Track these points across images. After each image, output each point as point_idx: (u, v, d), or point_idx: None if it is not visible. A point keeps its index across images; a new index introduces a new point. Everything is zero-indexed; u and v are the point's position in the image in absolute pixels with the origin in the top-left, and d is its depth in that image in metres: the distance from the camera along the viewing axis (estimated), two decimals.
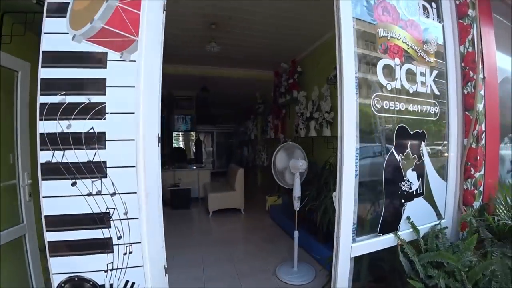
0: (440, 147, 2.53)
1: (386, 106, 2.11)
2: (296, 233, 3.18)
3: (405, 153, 2.21)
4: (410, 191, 2.26)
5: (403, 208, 2.23)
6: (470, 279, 1.88)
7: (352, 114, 1.91)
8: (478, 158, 2.48)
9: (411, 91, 2.24)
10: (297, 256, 3.23)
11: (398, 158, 2.20)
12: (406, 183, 2.24)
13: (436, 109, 2.42)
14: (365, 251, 2.09)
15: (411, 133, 2.26)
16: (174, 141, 10.10)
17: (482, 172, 2.51)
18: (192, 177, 7.00)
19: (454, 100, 2.50)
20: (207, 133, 12.31)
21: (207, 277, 3.20)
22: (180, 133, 9.62)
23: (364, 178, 2.12)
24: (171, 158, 7.61)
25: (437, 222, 2.35)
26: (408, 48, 2.22)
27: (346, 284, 2.00)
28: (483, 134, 2.51)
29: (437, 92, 2.42)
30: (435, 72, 2.40)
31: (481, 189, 2.52)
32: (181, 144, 10.31)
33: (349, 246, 1.95)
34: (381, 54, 2.09)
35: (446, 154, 2.53)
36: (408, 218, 2.22)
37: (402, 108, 2.19)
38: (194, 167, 7.50)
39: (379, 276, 2.55)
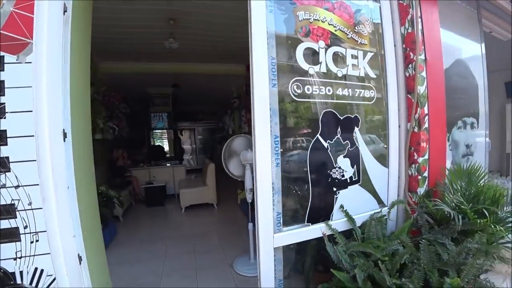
0: (380, 132, 2.39)
1: (308, 91, 1.94)
2: (250, 225, 3.07)
3: (334, 139, 2.05)
4: (343, 178, 2.11)
5: (335, 196, 2.08)
6: (393, 268, 1.77)
7: (265, 99, 1.75)
8: (421, 142, 2.34)
9: (339, 75, 2.07)
10: (252, 248, 3.12)
11: (325, 144, 2.03)
12: (337, 171, 2.09)
13: (372, 92, 2.24)
14: (291, 241, 1.96)
15: (341, 118, 2.09)
16: (155, 139, 9.88)
17: (426, 157, 2.35)
18: (168, 174, 6.82)
19: (393, 83, 2.32)
20: (188, 130, 11.92)
21: (165, 270, 3.12)
22: (161, 131, 9.43)
23: (290, 166, 2.01)
24: (149, 156, 7.49)
25: (378, 210, 2.21)
26: (335, 31, 2.05)
27: (272, 274, 1.87)
28: (426, 117, 2.34)
29: (372, 75, 2.23)
30: (370, 55, 2.21)
31: (425, 174, 2.36)
32: (164, 142, 9.99)
33: (271, 236, 1.82)
34: (302, 37, 1.93)
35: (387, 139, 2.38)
36: (341, 206, 2.08)
37: (329, 92, 2.03)
38: (169, 164, 7.23)
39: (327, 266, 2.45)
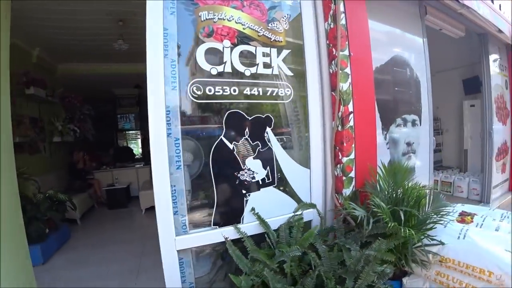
0: (301, 132, 2.24)
1: (210, 92, 1.80)
2: None
3: (241, 141, 1.91)
4: (253, 180, 1.95)
5: (245, 199, 1.94)
6: (294, 274, 1.65)
7: (160, 102, 1.63)
8: (344, 142, 2.20)
9: (247, 74, 1.91)
10: None
11: (230, 146, 1.88)
12: (246, 173, 1.93)
13: (288, 91, 2.07)
14: (198, 244, 1.83)
15: (249, 118, 1.94)
16: (128, 141, 9.32)
17: (351, 156, 2.19)
18: (132, 176, 6.53)
19: (314, 81, 2.15)
20: None
21: (111, 272, 3.00)
22: (134, 132, 9.00)
23: (194, 169, 1.88)
24: (115, 158, 7.02)
25: (299, 213, 2.10)
26: (244, 29, 1.89)
27: (177, 277, 1.76)
28: (350, 115, 2.21)
29: (288, 73, 2.07)
30: (286, 52, 2.06)
31: (351, 175, 2.21)
32: (136, 143, 9.43)
33: (172, 239, 1.70)
34: (204, 38, 1.78)
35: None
36: (253, 209, 1.93)
37: (234, 92, 1.87)
38: (133, 165, 6.86)
39: None
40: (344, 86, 2.15)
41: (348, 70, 2.17)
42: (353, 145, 2.20)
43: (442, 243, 1.85)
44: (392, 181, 2.10)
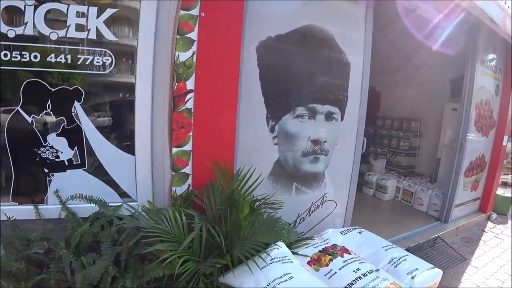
0: (120, 110, 1.58)
1: (6, 57, 1.30)
2: None
3: (41, 114, 1.41)
4: (57, 160, 1.44)
5: (49, 179, 1.45)
6: None
7: None
8: (175, 127, 1.54)
9: (53, 38, 1.33)
10: None
11: (29, 119, 1.39)
12: (48, 150, 1.42)
13: (107, 60, 1.44)
14: None
15: (52, 90, 1.38)
16: None
17: (186, 148, 1.52)
18: None
19: (147, 48, 1.46)
20: None
21: None
22: None
23: None
24: None
25: (119, 205, 1.50)
26: None
27: None
28: (189, 95, 1.52)
29: (111, 38, 1.42)
30: (110, 11, 1.39)
31: (186, 170, 1.57)
32: None
33: None
34: None
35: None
36: (57, 191, 1.44)
37: (35, 59, 1.33)
38: None
39: None
40: (183, 56, 1.47)
41: (193, 35, 1.48)
42: (190, 134, 1.55)
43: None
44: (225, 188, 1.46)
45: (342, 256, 1.34)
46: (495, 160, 3.66)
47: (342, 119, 2.07)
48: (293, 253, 1.34)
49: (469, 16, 2.60)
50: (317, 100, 1.94)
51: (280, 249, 1.26)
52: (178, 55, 1.43)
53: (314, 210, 2.10)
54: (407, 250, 2.70)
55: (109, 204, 1.48)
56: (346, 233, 1.65)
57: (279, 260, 1.18)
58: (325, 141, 2.02)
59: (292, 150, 1.92)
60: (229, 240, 1.25)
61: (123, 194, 1.61)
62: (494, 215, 3.76)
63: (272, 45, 1.76)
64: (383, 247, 1.49)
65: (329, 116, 2.00)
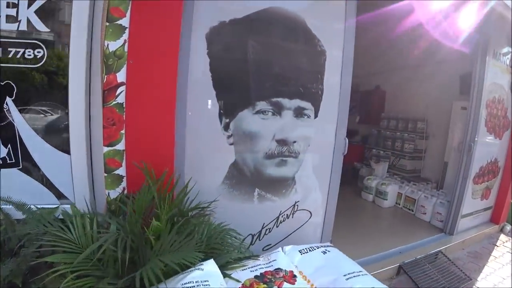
0: (56, 106, 1.39)
1: None
2: None
3: None
4: None
5: None
6: None
7: None
8: (105, 124, 1.34)
9: None
10: None
11: None
12: None
13: (39, 52, 1.27)
14: None
15: None
16: None
17: (118, 147, 1.31)
18: None
19: (80, 37, 1.26)
20: None
21: None
22: None
23: None
24: None
25: (55, 206, 1.33)
26: None
27: None
28: (120, 88, 1.30)
29: (43, 28, 1.26)
30: (41, 1, 1.24)
31: (119, 172, 1.35)
32: None
33: None
34: None
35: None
36: None
37: None
38: None
39: None
40: (113, 45, 1.27)
41: (124, 21, 1.27)
42: (122, 132, 1.34)
43: None
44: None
45: (279, 287, 1.06)
46: (510, 165, 3.17)
47: (316, 116, 1.78)
48: (225, 275, 1.08)
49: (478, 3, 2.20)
50: (283, 94, 1.66)
51: (204, 270, 1.00)
52: (108, 44, 1.24)
53: (283, 220, 1.82)
54: (401, 266, 2.34)
55: (46, 206, 1.29)
56: (307, 252, 1.37)
57: (194, 286, 0.92)
58: (295, 141, 1.73)
59: (252, 151, 1.65)
60: (141, 256, 1.01)
61: (61, 196, 1.42)
62: (509, 227, 3.27)
63: (225, 31, 1.52)
64: (345, 275, 1.19)
65: (299, 112, 1.72)
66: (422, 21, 3.11)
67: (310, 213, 1.91)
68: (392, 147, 4.36)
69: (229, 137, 1.61)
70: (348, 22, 1.80)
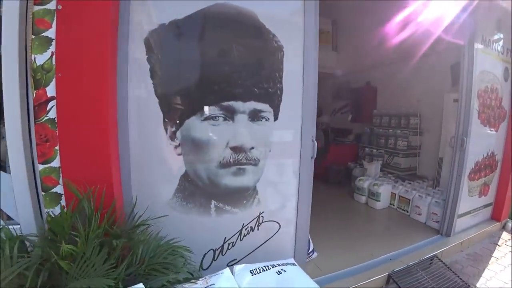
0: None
1: None
2: None
3: None
4: None
5: None
6: None
7: None
8: (38, 141, 1.21)
9: None
10: None
11: None
12: None
13: None
14: None
15: None
16: None
17: (54, 164, 1.21)
18: None
19: (11, 49, 1.16)
20: None
21: None
22: None
23: None
24: None
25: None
26: None
27: None
28: (50, 103, 1.19)
29: None
30: None
31: (56, 190, 1.21)
32: None
33: None
34: None
35: None
36: None
37: None
38: None
39: None
40: (40, 58, 1.16)
41: (51, 33, 1.16)
42: (56, 148, 1.21)
43: None
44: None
45: None
46: (509, 158, 2.89)
47: (276, 118, 1.60)
48: None
49: None
50: (235, 96, 1.51)
51: None
52: (35, 58, 1.11)
53: (248, 234, 1.65)
54: (391, 275, 2.12)
55: None
56: (259, 273, 1.19)
57: None
58: (252, 148, 1.57)
59: (204, 161, 1.50)
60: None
61: (7, 216, 1.29)
62: (511, 223, 2.97)
63: (166, 34, 1.39)
64: None
65: (255, 115, 1.55)
66: (408, 9, 2.92)
67: (279, 224, 1.73)
68: (386, 145, 4.12)
69: (176, 147, 1.46)
70: (308, 14, 1.63)
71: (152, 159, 1.46)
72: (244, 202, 1.65)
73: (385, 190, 3.42)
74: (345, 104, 5.20)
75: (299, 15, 1.66)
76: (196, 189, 1.55)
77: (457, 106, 2.72)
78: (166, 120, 1.44)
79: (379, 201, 3.40)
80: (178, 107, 1.46)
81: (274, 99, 1.61)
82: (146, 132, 1.43)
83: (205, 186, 1.56)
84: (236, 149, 1.57)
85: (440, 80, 3.49)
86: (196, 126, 1.49)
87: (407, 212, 3.26)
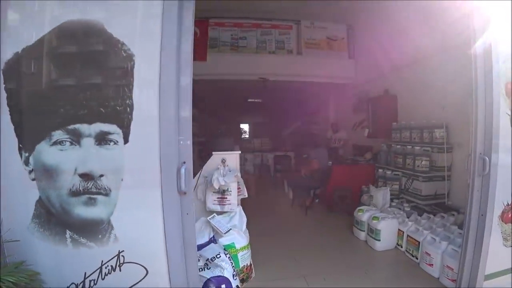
0: None
1: None
2: None
3: None
4: None
5: None
6: None
7: None
8: None
9: None
10: None
11: None
12: None
13: None
14: None
15: None
16: None
17: None
18: None
19: None
20: None
21: None
22: None
23: None
24: None
25: None
26: None
27: None
28: None
29: None
30: None
31: None
32: None
33: None
34: None
35: None
36: None
37: None
38: None
39: None
40: None
41: None
42: None
43: None
44: None
45: None
46: None
47: (127, 141, 1.30)
48: None
49: None
50: (81, 118, 1.31)
51: None
52: None
53: (109, 273, 1.34)
54: None
55: None
56: None
57: None
58: (101, 175, 1.29)
59: (55, 188, 1.32)
60: None
61: None
62: None
63: (19, 62, 1.33)
64: None
65: (102, 139, 1.30)
66: None
67: (145, 269, 1.34)
68: (404, 165, 3.03)
69: (30, 172, 1.33)
70: (168, 17, 1.31)
71: (12, 183, 1.36)
72: (100, 236, 1.35)
73: (387, 226, 2.45)
74: (362, 119, 4.22)
75: (157, 18, 1.33)
76: (51, 217, 1.37)
77: (471, 108, 1.75)
78: (21, 145, 1.34)
79: (379, 240, 2.44)
80: (29, 132, 1.34)
81: (122, 118, 1.31)
82: (5, 157, 1.35)
83: (59, 214, 1.36)
84: (84, 176, 1.32)
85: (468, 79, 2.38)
86: (46, 151, 1.33)
87: (417, 258, 2.21)
